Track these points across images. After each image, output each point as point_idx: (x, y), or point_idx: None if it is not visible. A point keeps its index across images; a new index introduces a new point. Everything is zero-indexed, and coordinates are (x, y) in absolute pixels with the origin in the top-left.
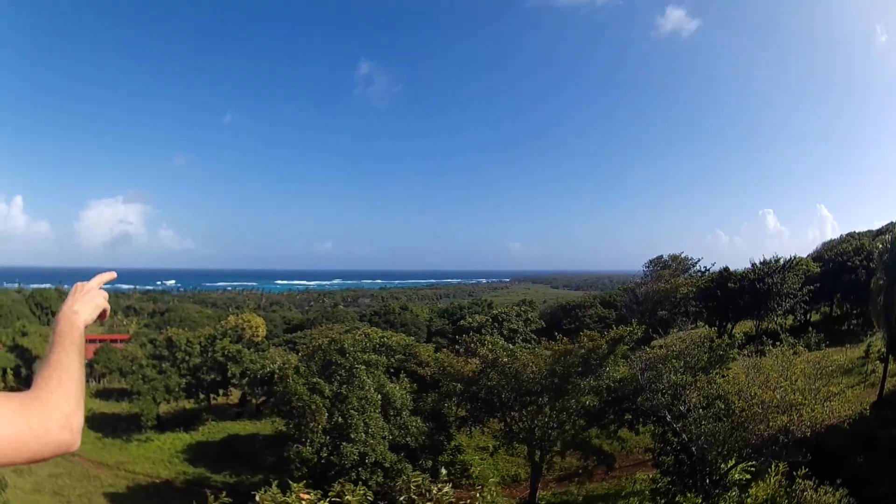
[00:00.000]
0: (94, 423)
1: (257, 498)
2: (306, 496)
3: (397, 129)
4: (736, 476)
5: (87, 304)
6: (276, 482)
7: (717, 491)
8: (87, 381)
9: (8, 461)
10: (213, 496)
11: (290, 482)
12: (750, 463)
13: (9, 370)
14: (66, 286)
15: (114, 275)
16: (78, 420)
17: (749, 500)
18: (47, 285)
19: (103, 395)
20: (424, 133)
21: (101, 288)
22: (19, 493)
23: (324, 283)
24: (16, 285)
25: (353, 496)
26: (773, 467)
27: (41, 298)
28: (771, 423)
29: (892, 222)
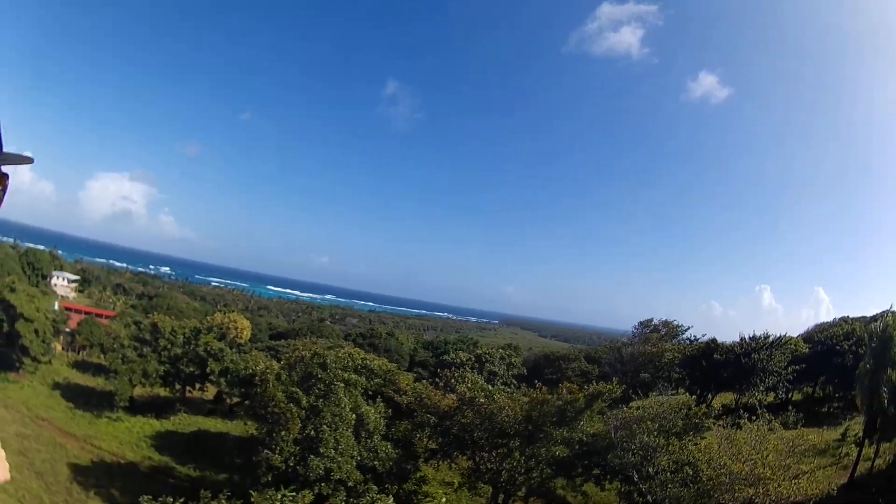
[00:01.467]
0: (68, 392)
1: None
2: None
3: (412, 156)
4: None
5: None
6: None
7: None
8: (66, 351)
9: None
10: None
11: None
12: None
13: None
14: (60, 252)
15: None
16: None
17: None
18: (41, 247)
19: (80, 366)
20: (438, 165)
21: None
22: None
23: (316, 296)
24: (11, 241)
25: None
26: None
27: (34, 259)
28: (737, 494)
29: (885, 311)
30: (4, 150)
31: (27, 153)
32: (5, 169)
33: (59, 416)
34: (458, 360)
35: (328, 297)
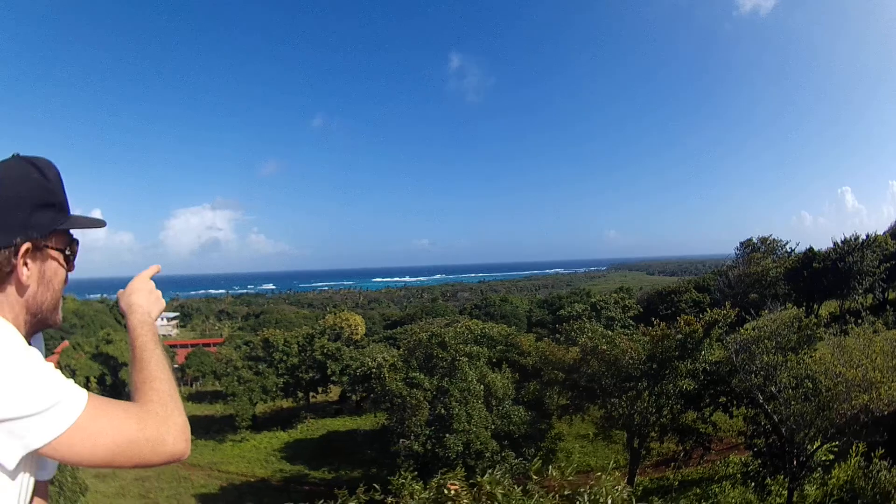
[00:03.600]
0: None
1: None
2: (455, 486)
3: (492, 122)
4: (821, 457)
5: (155, 304)
6: (411, 473)
7: (803, 473)
8: (178, 386)
9: (120, 464)
10: (345, 490)
11: (452, 471)
12: (834, 444)
13: (92, 378)
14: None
15: (159, 267)
16: (188, 430)
17: (832, 481)
18: None
19: (195, 398)
20: (519, 125)
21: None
22: (101, 497)
23: (423, 279)
24: (98, 296)
25: (492, 486)
26: (853, 447)
27: None
28: (853, 402)
29: None
30: (71, 213)
31: (97, 215)
32: (74, 233)
33: None
34: (575, 313)
35: (439, 276)
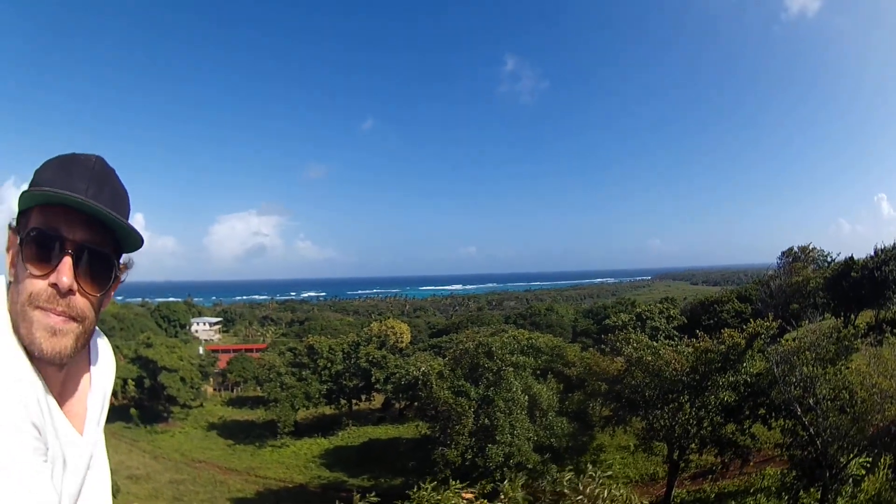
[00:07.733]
0: (225, 430)
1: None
2: (468, 495)
3: (544, 128)
4: (853, 470)
5: None
6: (431, 483)
7: (834, 486)
8: (219, 391)
9: None
10: (358, 495)
11: (451, 481)
12: (866, 457)
13: (130, 381)
14: (195, 299)
15: None
16: None
17: (862, 495)
18: (172, 299)
19: (236, 403)
20: (568, 131)
21: None
22: (133, 499)
23: (473, 287)
24: (139, 300)
25: (513, 490)
26: (882, 460)
27: (168, 311)
28: (886, 414)
29: None
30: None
31: (139, 220)
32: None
33: (217, 454)
34: (620, 323)
35: (489, 285)
